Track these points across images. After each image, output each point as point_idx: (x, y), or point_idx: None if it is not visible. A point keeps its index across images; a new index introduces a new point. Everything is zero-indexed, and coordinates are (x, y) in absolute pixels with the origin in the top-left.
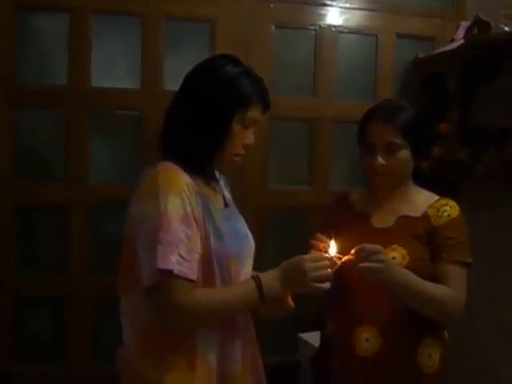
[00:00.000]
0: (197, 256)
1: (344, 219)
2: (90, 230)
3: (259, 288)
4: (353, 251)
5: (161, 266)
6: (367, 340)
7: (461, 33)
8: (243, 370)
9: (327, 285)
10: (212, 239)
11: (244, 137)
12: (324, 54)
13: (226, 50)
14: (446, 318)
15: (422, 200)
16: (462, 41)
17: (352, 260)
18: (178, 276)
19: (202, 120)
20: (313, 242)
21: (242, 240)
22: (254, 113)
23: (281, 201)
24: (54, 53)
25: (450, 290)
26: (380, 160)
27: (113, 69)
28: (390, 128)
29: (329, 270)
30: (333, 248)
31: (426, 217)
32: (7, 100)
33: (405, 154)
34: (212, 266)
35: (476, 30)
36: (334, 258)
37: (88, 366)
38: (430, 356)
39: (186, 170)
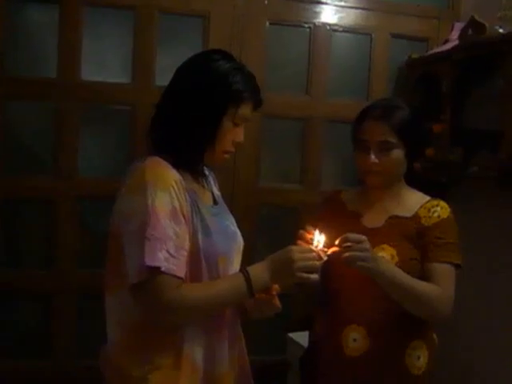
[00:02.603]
0: (185, 253)
1: (334, 218)
2: (78, 224)
3: (248, 281)
4: (337, 242)
5: (148, 262)
6: (355, 340)
7: (455, 34)
8: (230, 369)
9: (314, 276)
10: (200, 236)
11: (234, 134)
12: (318, 52)
13: (219, 46)
14: (433, 316)
15: (413, 200)
16: (457, 42)
17: (337, 251)
18: (165, 273)
19: (192, 115)
20: (301, 231)
21: (230, 238)
22: (246, 110)
23: (272, 199)
24: (44, 45)
25: (437, 288)
26: (373, 158)
27: (104, 62)
28: (384, 126)
29: (316, 262)
30: (319, 239)
31: (416, 217)
32: None
33: (398, 153)
34: (199, 263)
35: (470, 32)
36: (320, 252)
37: (75, 363)
38: (419, 358)
39: (174, 166)
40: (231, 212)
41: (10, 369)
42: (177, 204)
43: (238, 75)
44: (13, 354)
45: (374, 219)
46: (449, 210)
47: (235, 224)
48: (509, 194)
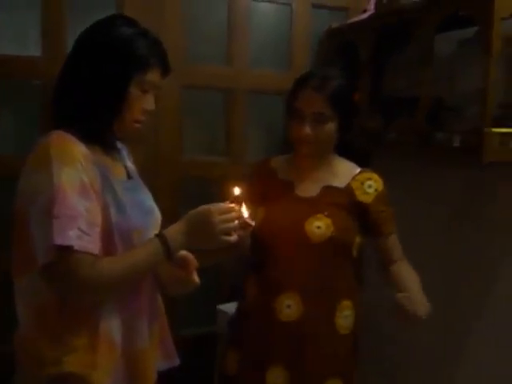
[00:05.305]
0: (97, 229)
1: (266, 187)
2: None
3: (164, 244)
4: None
5: (58, 241)
6: (289, 307)
7: (373, 3)
8: (151, 345)
9: (235, 237)
10: (112, 211)
11: (143, 102)
12: (238, 22)
13: (136, 14)
14: None
15: (344, 171)
16: (374, 11)
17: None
18: (79, 251)
19: (96, 84)
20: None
21: (146, 212)
22: (153, 76)
23: (196, 172)
24: None
25: (410, 268)
26: (307, 129)
27: (13, 35)
28: (321, 98)
29: (236, 221)
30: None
31: (349, 189)
32: None
33: (332, 126)
34: (113, 239)
35: (385, 1)
36: (248, 220)
37: None
38: (346, 318)
39: (81, 140)
40: (155, 187)
41: None
42: (86, 179)
43: (143, 40)
44: None
45: (307, 189)
46: (381, 181)
47: (152, 199)
48: (425, 160)
